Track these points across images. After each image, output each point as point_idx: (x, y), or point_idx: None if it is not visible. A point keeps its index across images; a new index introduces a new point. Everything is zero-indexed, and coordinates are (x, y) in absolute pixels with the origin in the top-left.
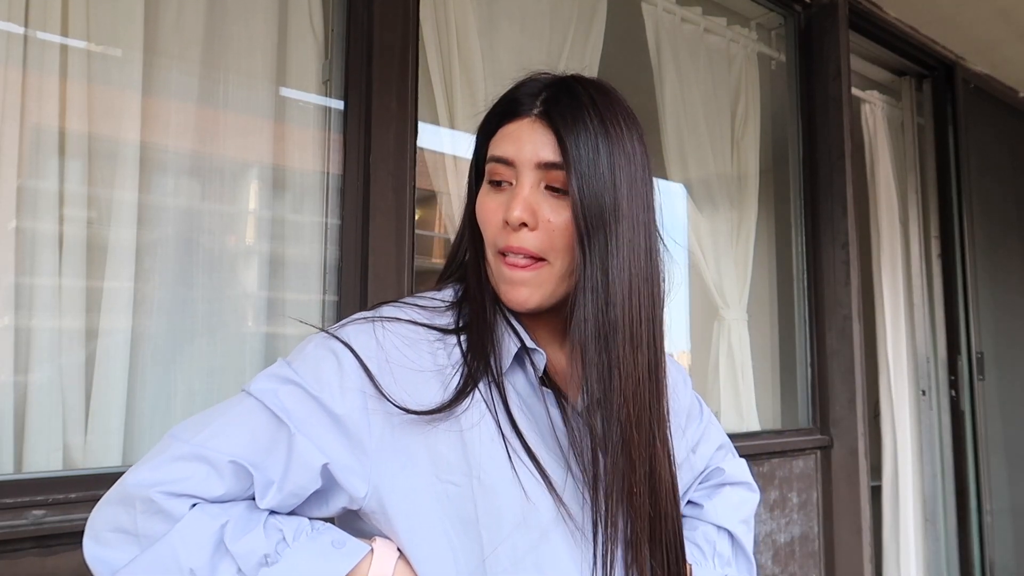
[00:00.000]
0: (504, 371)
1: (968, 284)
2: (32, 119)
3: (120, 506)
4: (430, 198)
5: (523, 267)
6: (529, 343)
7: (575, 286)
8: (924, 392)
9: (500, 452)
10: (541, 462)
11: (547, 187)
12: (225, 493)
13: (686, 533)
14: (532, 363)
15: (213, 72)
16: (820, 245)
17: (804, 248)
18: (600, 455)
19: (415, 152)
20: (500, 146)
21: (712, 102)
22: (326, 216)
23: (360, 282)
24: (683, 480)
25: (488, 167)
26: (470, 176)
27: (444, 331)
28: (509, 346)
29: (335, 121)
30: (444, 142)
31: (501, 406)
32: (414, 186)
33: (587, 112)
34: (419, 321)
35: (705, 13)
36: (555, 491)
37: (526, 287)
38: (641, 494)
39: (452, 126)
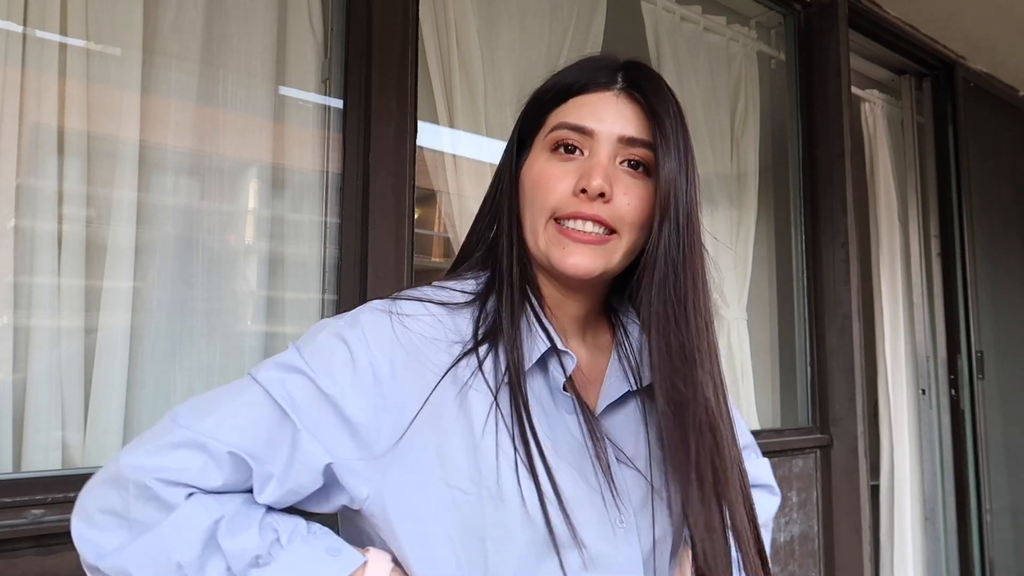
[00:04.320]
0: (525, 373)
1: (968, 283)
2: (31, 118)
3: (113, 488)
4: (429, 197)
5: (594, 242)
6: (560, 344)
7: (651, 276)
8: (924, 391)
9: (513, 461)
10: (555, 475)
11: (621, 162)
12: (223, 484)
13: None
14: (561, 365)
15: (212, 71)
16: (820, 244)
17: (804, 247)
18: (664, 462)
19: (415, 151)
20: (576, 114)
21: (712, 101)
22: (325, 215)
23: (359, 281)
24: None
25: (557, 133)
26: (511, 145)
27: (469, 337)
28: (536, 346)
29: (334, 120)
30: (444, 141)
31: (518, 412)
32: (413, 185)
33: (669, 94)
34: (440, 317)
35: (705, 12)
36: (565, 507)
37: (590, 253)
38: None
39: (452, 125)
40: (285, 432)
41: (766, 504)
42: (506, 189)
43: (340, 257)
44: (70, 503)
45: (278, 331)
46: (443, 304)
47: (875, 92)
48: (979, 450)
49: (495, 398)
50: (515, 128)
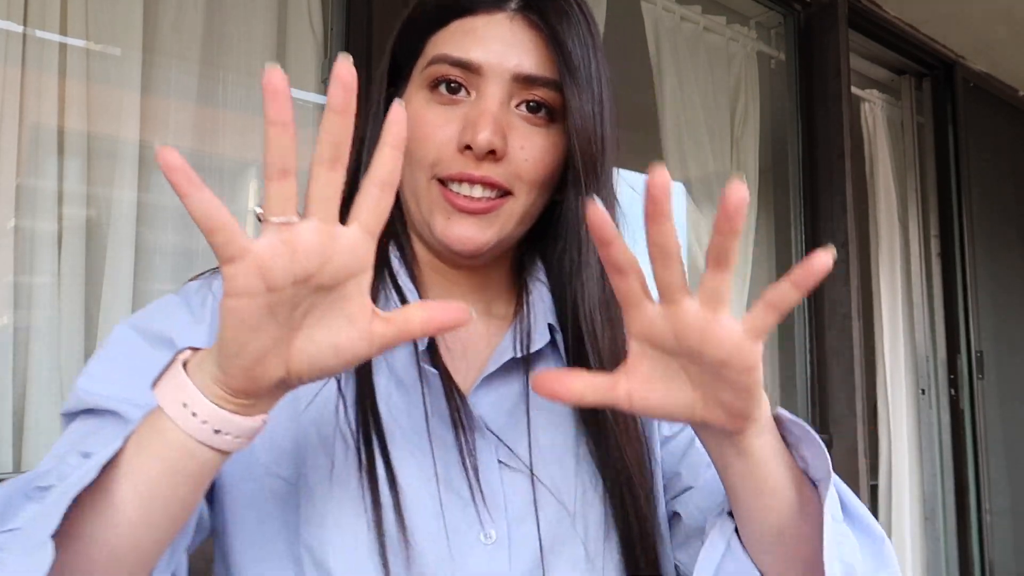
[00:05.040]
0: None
1: (968, 283)
2: (31, 118)
3: None
4: None
5: (483, 210)
6: None
7: (565, 247)
8: (924, 391)
9: (344, 448)
10: (397, 475)
11: (518, 105)
12: None
13: None
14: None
15: (212, 71)
16: (820, 244)
17: (804, 247)
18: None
19: None
20: (458, 44)
21: (711, 101)
22: None
23: None
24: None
25: (435, 68)
26: (382, 74)
27: None
28: (387, 310)
29: None
30: None
31: (360, 395)
32: None
33: (578, 13)
34: None
35: (704, 12)
36: (403, 518)
37: (477, 224)
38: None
39: None
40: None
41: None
42: (373, 130)
43: None
44: None
45: None
46: None
47: (875, 92)
48: (979, 450)
49: (337, 378)
50: (388, 52)
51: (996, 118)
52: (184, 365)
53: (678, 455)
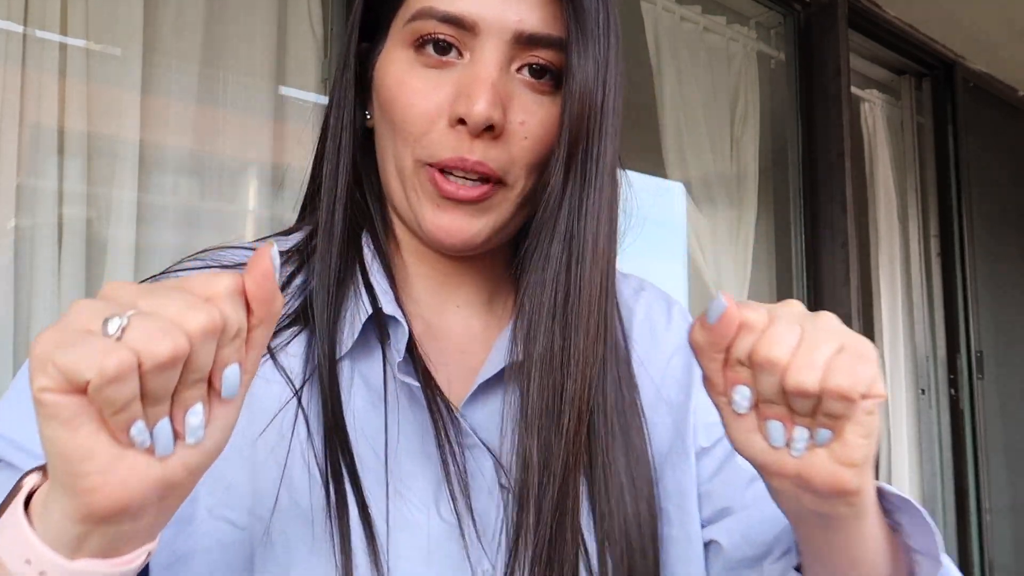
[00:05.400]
0: (343, 354)
1: (967, 283)
2: (31, 118)
3: None
4: None
5: (475, 197)
6: (389, 307)
7: (537, 227)
8: (923, 391)
9: (308, 480)
10: (371, 509)
11: (519, 68)
12: None
13: None
14: (381, 337)
15: (212, 71)
16: (819, 244)
17: (803, 247)
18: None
19: None
20: None
21: (711, 101)
22: None
23: None
24: (712, 504)
25: (420, 24)
26: (353, 25)
27: None
28: (357, 314)
29: None
30: None
31: (323, 407)
32: None
33: None
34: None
35: (704, 12)
36: (378, 559)
37: (475, 215)
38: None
39: None
40: None
41: None
42: (341, 95)
43: None
44: None
45: None
46: (235, 267)
47: (875, 92)
48: (979, 450)
49: (298, 394)
50: (359, 5)
51: (996, 118)
52: (28, 500)
53: (713, 469)
